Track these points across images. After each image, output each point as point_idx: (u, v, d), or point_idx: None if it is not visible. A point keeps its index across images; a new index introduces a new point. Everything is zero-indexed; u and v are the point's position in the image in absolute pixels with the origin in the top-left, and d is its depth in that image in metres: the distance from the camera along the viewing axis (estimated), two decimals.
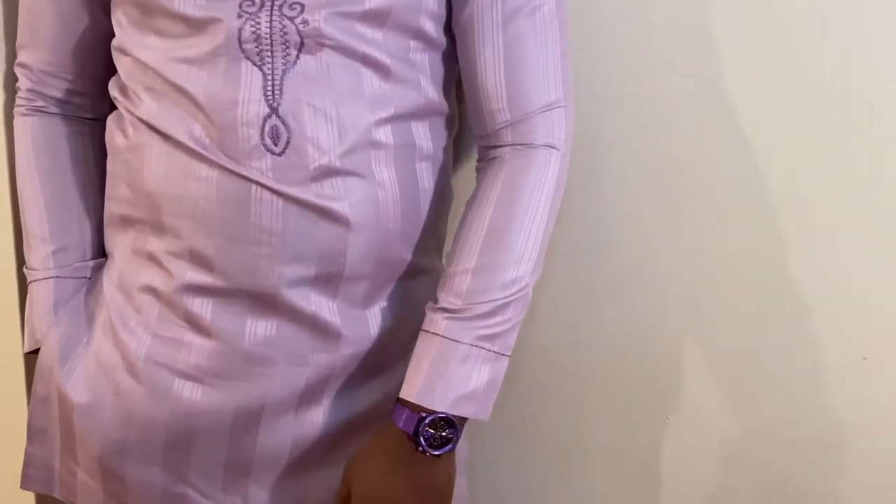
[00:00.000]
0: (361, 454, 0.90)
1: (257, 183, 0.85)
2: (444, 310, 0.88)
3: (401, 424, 0.86)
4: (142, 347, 0.91)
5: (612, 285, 1.13)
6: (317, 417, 0.93)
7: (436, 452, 0.86)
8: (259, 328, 0.89)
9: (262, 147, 0.85)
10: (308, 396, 0.92)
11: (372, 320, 0.93)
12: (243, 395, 0.90)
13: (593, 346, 1.16)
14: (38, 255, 0.98)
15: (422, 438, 0.85)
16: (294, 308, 0.88)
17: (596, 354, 1.16)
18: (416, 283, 0.97)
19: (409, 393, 0.87)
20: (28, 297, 0.99)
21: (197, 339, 0.89)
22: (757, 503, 1.11)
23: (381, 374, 0.95)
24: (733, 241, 1.06)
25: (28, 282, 0.99)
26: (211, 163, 0.85)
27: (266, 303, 0.88)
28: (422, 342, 0.89)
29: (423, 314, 0.93)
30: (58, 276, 0.98)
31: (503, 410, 0.96)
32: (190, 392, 0.90)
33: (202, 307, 0.88)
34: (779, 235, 1.03)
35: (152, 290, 0.91)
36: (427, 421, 0.85)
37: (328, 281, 0.89)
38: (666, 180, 1.07)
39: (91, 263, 1.00)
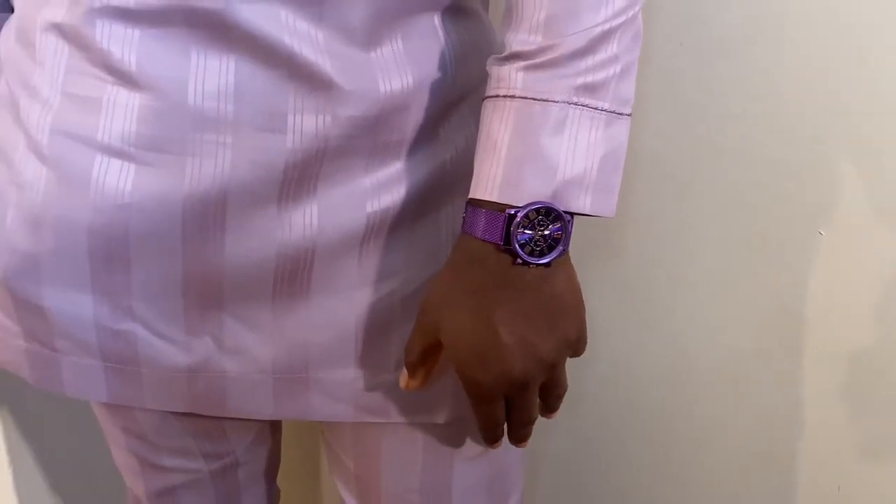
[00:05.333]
0: (439, 292, 0.61)
1: None
2: (517, 56, 0.57)
3: (481, 234, 0.58)
4: (47, 115, 0.62)
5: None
6: (309, 219, 0.64)
7: (542, 260, 0.58)
8: (210, 71, 0.59)
9: None
10: (293, 185, 0.62)
11: (380, 71, 0.62)
12: (194, 178, 0.60)
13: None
14: None
15: (517, 245, 0.57)
16: (256, 36, 0.58)
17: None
18: (452, 22, 0.65)
19: (484, 189, 0.58)
20: None
21: (121, 94, 0.60)
22: None
23: (398, 160, 0.65)
24: None
25: None
26: None
27: (215, 29, 0.58)
28: (491, 114, 0.59)
29: (464, 78, 0.64)
30: None
31: None
32: (117, 175, 0.61)
33: (125, 43, 0.59)
34: None
35: (56, 28, 0.61)
36: (518, 218, 0.56)
37: None
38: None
39: None
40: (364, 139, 0.63)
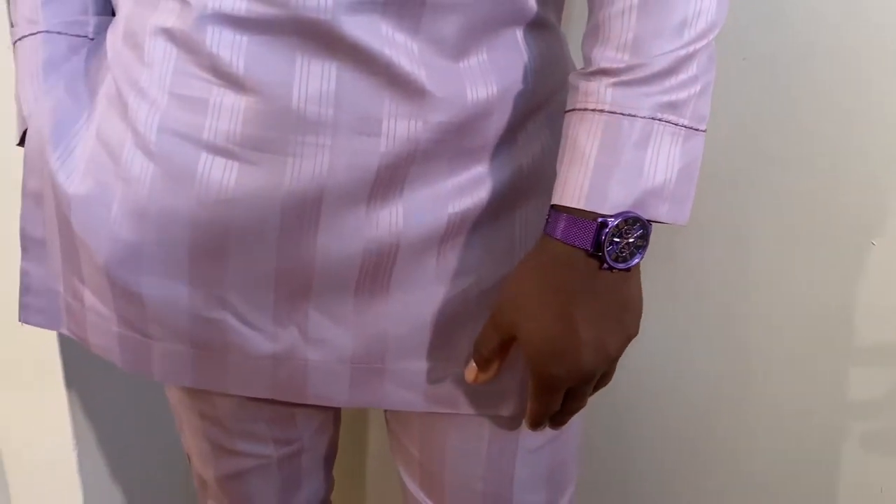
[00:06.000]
0: (518, 290, 0.65)
1: None
2: (605, 72, 0.61)
3: (568, 238, 0.62)
4: (155, 114, 0.66)
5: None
6: (395, 218, 0.68)
7: (626, 265, 0.62)
8: (313, 77, 0.63)
9: None
10: (383, 185, 0.66)
11: (468, 80, 0.66)
12: (294, 177, 0.64)
13: None
14: (24, 8, 0.74)
15: (606, 253, 0.61)
16: (358, 46, 0.62)
17: None
18: (532, 35, 0.69)
19: (572, 197, 0.61)
20: (15, 63, 0.75)
21: (228, 96, 0.64)
22: None
23: (479, 164, 0.69)
24: None
25: (12, 42, 0.75)
26: None
27: (321, 39, 0.62)
28: (577, 125, 0.62)
29: (542, 87, 0.68)
30: (48, 31, 0.73)
31: None
32: (221, 172, 0.65)
33: (233, 48, 0.63)
34: None
35: (166, 32, 0.65)
36: (610, 227, 0.60)
37: (404, 5, 0.62)
38: None
39: (93, 20, 0.75)
40: (450, 144, 0.66)
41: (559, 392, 0.66)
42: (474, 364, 0.69)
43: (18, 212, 0.76)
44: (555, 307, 0.63)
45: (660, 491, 1.10)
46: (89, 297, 0.73)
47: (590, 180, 0.61)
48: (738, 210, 0.94)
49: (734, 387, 1.00)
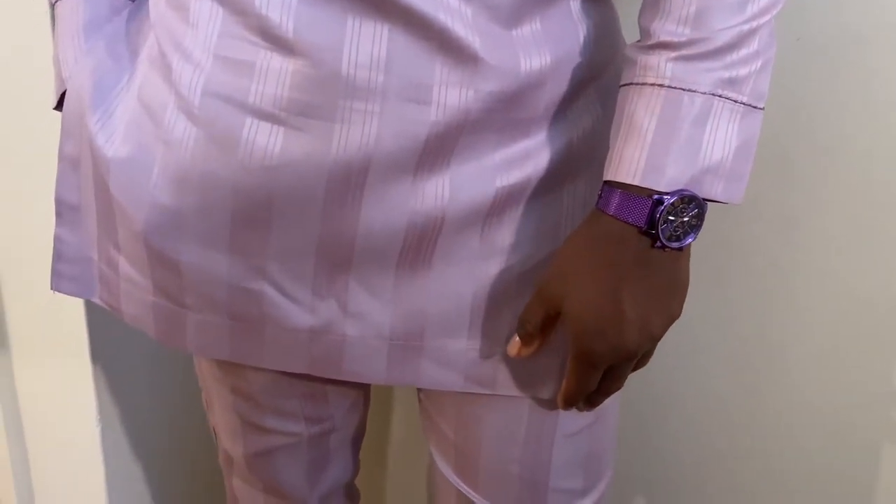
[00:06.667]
0: (567, 264, 0.64)
1: None
2: (665, 46, 0.60)
3: (621, 215, 0.60)
4: (199, 76, 0.64)
5: None
6: (441, 190, 0.66)
7: (679, 244, 0.61)
8: (363, 41, 0.61)
9: None
10: (431, 156, 0.64)
11: (521, 49, 0.64)
12: (341, 145, 0.62)
13: None
14: None
15: (660, 231, 0.59)
16: (412, 9, 0.60)
17: None
18: (586, 6, 0.67)
19: (627, 173, 0.60)
20: (55, 26, 0.73)
21: (276, 59, 0.62)
22: None
23: (528, 137, 0.67)
24: None
25: (51, 2, 0.73)
26: None
27: (372, 1, 0.60)
28: (635, 100, 0.61)
29: (595, 60, 0.66)
30: None
31: None
32: (266, 137, 0.63)
33: (283, 9, 0.61)
34: None
35: None
36: (666, 204, 0.59)
37: None
38: None
39: None
40: (500, 114, 0.64)
41: (598, 370, 0.65)
42: (517, 338, 0.68)
43: (52, 180, 0.74)
44: (603, 283, 0.62)
45: (690, 488, 1.08)
46: (124, 266, 0.72)
47: (646, 156, 0.60)
48: (788, 196, 0.92)
49: (772, 374, 0.98)
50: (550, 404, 0.74)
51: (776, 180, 0.93)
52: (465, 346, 0.71)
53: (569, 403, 0.68)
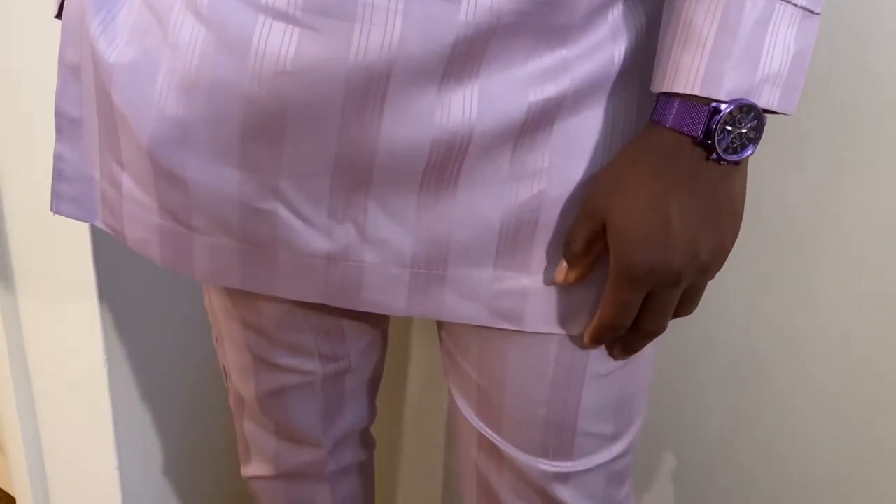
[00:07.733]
0: (613, 176, 0.61)
1: None
2: None
3: (677, 125, 0.57)
4: None
5: None
6: (470, 103, 0.60)
7: (736, 157, 0.58)
8: None
9: None
10: (459, 63, 0.59)
11: None
12: (360, 47, 0.57)
13: None
14: None
15: (717, 141, 0.56)
16: None
17: None
18: None
19: (685, 82, 0.57)
20: None
21: None
22: None
23: (565, 46, 0.61)
24: None
25: None
26: None
27: None
28: (694, 4, 0.58)
29: None
30: None
31: None
32: (280, 40, 0.58)
33: None
34: None
35: None
36: (723, 113, 0.56)
37: None
38: None
39: None
40: (535, 18, 0.59)
41: (637, 291, 0.61)
42: (564, 263, 0.64)
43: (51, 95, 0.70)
44: (651, 193, 0.58)
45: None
46: (128, 184, 0.67)
47: (706, 64, 0.56)
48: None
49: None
50: (581, 341, 0.70)
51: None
52: (490, 275, 0.67)
53: (601, 333, 0.64)
